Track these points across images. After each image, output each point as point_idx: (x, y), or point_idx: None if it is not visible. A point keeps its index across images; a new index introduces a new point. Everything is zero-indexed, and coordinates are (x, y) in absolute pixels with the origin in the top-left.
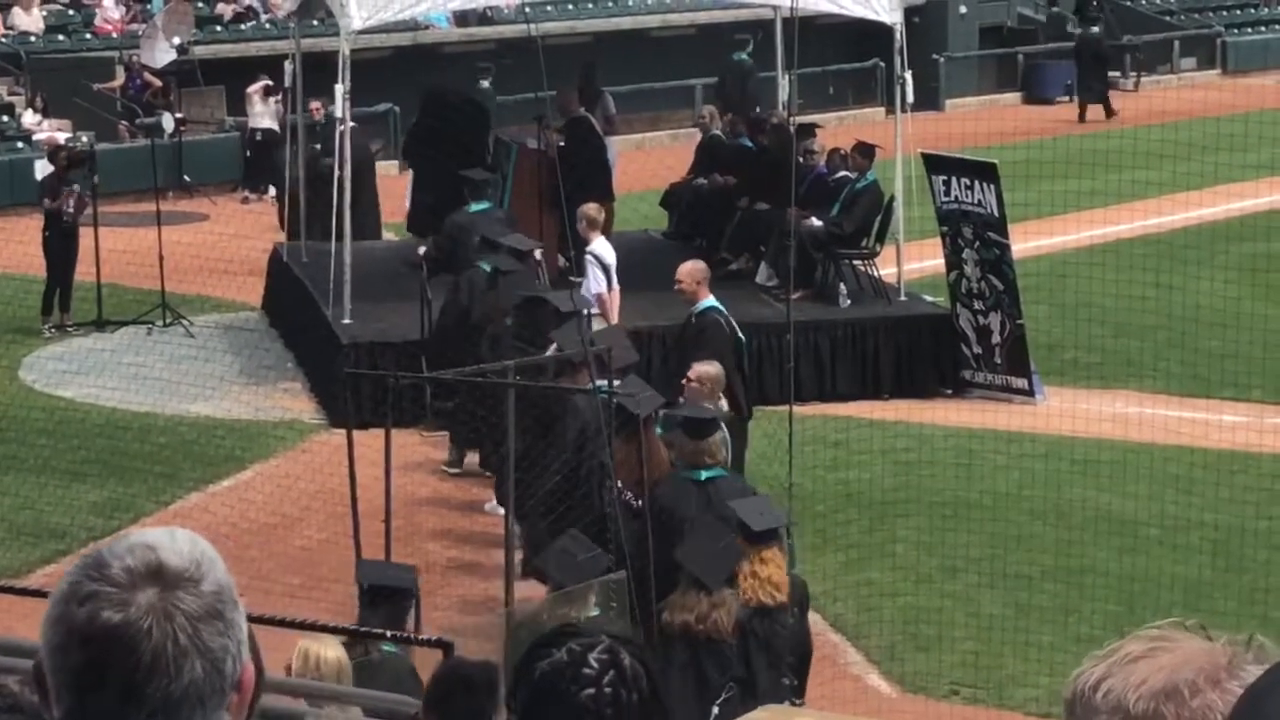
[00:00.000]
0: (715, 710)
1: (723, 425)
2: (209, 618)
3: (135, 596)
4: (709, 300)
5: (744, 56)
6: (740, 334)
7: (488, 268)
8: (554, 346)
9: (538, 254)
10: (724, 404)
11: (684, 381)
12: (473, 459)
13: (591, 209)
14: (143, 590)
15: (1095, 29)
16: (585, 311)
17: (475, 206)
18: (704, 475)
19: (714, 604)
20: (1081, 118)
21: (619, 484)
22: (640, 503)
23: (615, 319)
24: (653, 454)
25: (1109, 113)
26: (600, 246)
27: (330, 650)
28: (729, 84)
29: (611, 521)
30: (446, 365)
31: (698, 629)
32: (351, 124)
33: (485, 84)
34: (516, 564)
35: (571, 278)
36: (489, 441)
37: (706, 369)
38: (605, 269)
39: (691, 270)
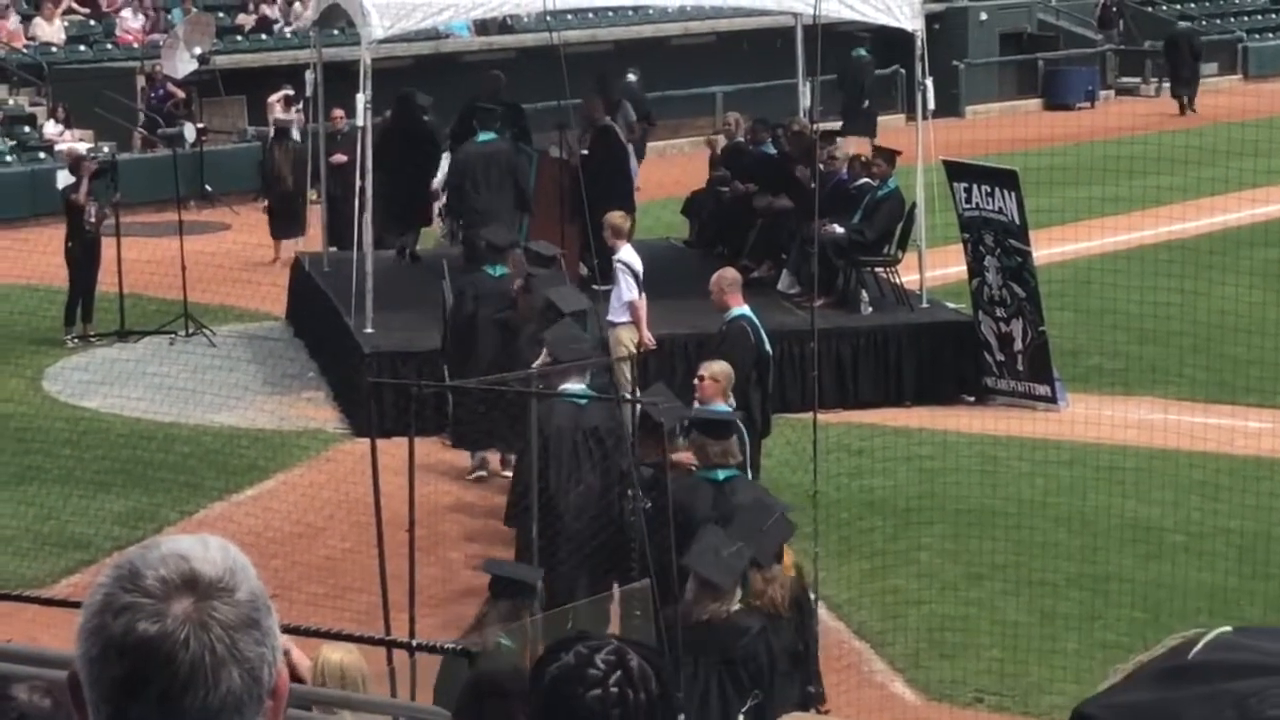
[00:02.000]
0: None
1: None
2: (245, 627)
3: (170, 607)
4: (739, 309)
5: (863, 52)
6: (768, 347)
7: (494, 273)
8: (543, 354)
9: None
10: (732, 401)
11: (695, 379)
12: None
13: (617, 217)
14: (178, 601)
15: (1184, 23)
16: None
17: (483, 136)
18: (721, 476)
19: (768, 579)
20: (1183, 110)
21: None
22: (649, 505)
23: (646, 327)
24: (675, 462)
25: (1190, 108)
26: (628, 254)
27: (334, 653)
28: (849, 79)
29: (635, 530)
30: (460, 370)
31: (755, 606)
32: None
33: (633, 77)
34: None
35: (594, 286)
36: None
37: (717, 365)
38: (635, 275)
39: (717, 278)
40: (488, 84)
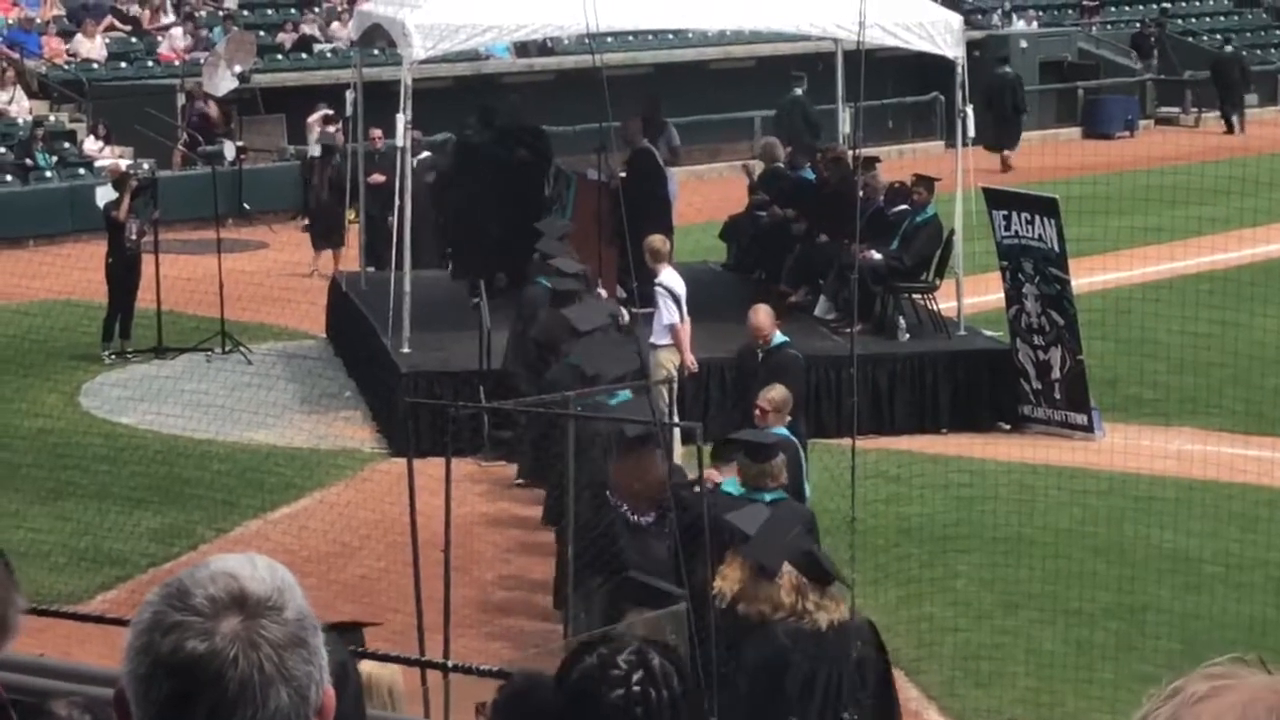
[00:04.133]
0: None
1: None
2: (293, 645)
3: (219, 626)
4: (781, 336)
5: (1008, 70)
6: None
7: (548, 283)
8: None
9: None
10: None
11: (757, 409)
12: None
13: (657, 240)
14: (226, 619)
15: (1230, 47)
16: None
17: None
18: (768, 498)
19: (788, 591)
20: (1230, 129)
21: (620, 500)
22: (638, 517)
23: (688, 350)
24: (649, 470)
25: (1240, 129)
26: (669, 277)
27: (383, 669)
28: (995, 94)
29: (670, 551)
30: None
31: (775, 617)
32: (427, 153)
33: (799, 91)
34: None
35: (632, 309)
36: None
37: (775, 393)
38: (676, 299)
39: (767, 315)
40: (506, 107)
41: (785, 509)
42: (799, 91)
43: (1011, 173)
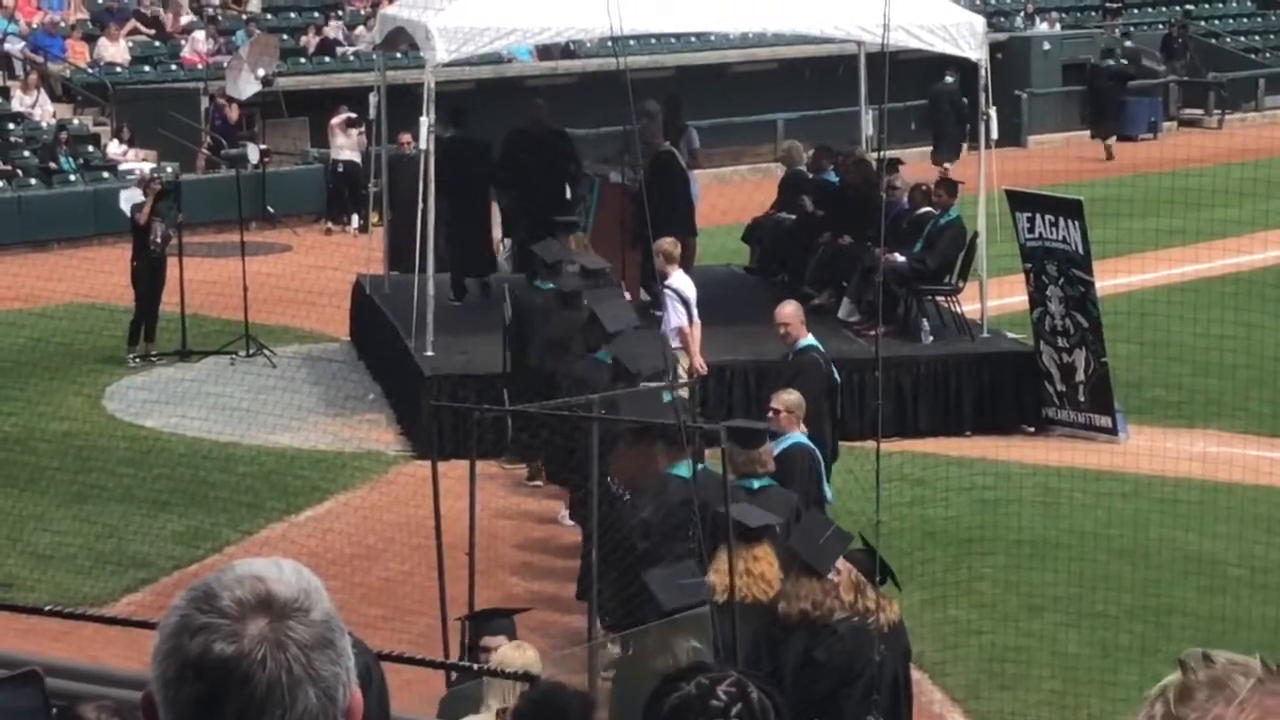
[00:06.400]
0: None
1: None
2: (320, 646)
3: (246, 628)
4: (807, 339)
5: (1110, 63)
6: (836, 375)
7: (543, 287)
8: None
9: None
10: (803, 429)
11: (770, 413)
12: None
13: (667, 243)
14: (254, 621)
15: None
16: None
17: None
18: (755, 484)
19: (826, 590)
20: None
21: (620, 485)
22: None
23: (697, 353)
24: (653, 463)
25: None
26: (679, 280)
27: (519, 652)
28: (1101, 84)
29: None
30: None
31: (814, 615)
32: None
33: (949, 79)
34: None
35: (653, 311)
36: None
37: (787, 397)
38: (685, 303)
39: (794, 312)
40: (532, 112)
41: (774, 496)
42: (949, 80)
43: (1114, 162)
